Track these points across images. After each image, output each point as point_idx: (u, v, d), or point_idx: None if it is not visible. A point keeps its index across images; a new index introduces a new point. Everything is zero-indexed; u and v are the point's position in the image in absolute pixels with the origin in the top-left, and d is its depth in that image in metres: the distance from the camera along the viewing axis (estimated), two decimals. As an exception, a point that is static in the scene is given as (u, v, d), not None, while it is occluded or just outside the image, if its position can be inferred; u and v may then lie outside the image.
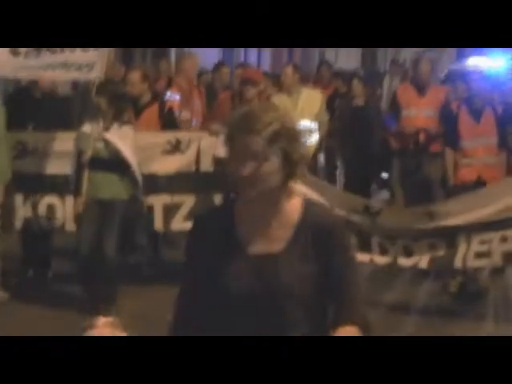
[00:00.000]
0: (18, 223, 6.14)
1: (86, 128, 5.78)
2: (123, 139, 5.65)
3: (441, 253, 6.01)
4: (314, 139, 7.55)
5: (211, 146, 6.02)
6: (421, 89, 7.59)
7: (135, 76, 6.41)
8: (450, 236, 6.00)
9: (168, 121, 6.39)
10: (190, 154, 6.05)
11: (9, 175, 5.75)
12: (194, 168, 6.09)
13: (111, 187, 5.70)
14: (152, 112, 6.38)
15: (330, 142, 8.46)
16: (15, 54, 5.94)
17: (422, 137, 7.35)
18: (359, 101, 8.57)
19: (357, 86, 8.68)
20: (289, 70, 7.70)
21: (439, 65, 14.77)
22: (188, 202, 6.07)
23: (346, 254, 2.27)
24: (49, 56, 5.98)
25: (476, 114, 6.75)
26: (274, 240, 2.21)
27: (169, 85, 7.67)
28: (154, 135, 6.16)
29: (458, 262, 5.99)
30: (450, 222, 5.95)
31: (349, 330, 2.20)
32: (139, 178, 5.69)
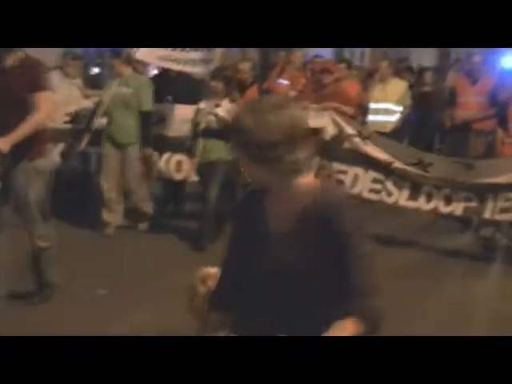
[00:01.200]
0: (156, 173, 7.76)
1: (202, 104, 7.32)
2: (230, 114, 6.75)
3: (473, 204, 7.23)
4: (396, 117, 9.43)
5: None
6: (473, 79, 8.83)
7: (246, 66, 8.25)
8: (483, 191, 7.17)
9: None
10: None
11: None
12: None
13: (218, 151, 7.06)
14: (253, 91, 8.15)
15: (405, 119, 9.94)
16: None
17: (470, 117, 8.62)
18: (427, 88, 10.40)
19: (427, 77, 10.51)
20: (384, 64, 9.69)
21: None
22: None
23: (349, 242, 2.21)
24: (181, 53, 7.63)
25: None
26: (284, 220, 2.32)
27: (281, 72, 9.58)
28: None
29: (486, 214, 7.18)
30: (484, 179, 7.12)
31: (348, 325, 2.16)
32: None
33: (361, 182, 7.61)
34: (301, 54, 9.76)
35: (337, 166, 7.64)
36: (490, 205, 7.19)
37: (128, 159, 7.36)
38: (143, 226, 7.72)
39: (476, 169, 7.22)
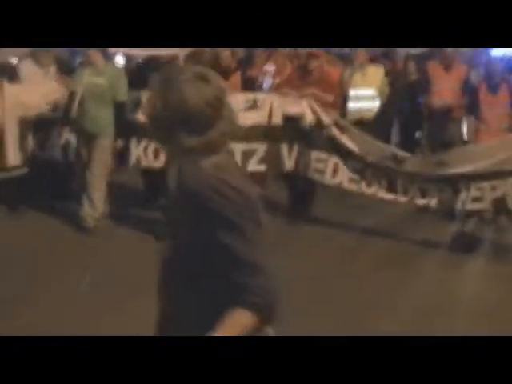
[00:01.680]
0: (132, 161, 7.56)
1: None
2: None
3: (447, 196, 7.22)
4: (375, 105, 9.21)
5: (281, 105, 7.53)
6: (447, 66, 8.80)
7: (226, 53, 8.04)
8: (454, 182, 7.15)
9: (248, 84, 7.99)
10: (265, 111, 7.54)
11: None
12: (266, 121, 7.52)
13: None
14: (236, 78, 8.01)
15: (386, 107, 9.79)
16: None
17: (443, 105, 8.62)
18: (413, 76, 10.16)
19: (410, 66, 10.33)
20: (361, 52, 9.35)
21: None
22: (261, 148, 7.59)
23: (225, 222, 2.04)
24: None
25: (494, 89, 8.14)
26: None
27: (267, 59, 9.44)
28: (236, 95, 7.69)
29: (458, 205, 7.19)
30: (455, 170, 7.09)
31: (237, 316, 2.04)
32: None
33: (341, 172, 7.50)
34: None
35: (316, 153, 7.52)
36: (462, 195, 7.17)
37: (100, 148, 7.14)
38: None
39: (448, 163, 7.19)
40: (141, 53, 7.70)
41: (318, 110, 7.45)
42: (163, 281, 2.24)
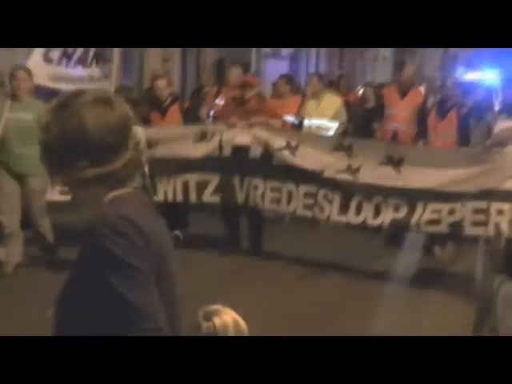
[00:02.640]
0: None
1: None
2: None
3: (401, 214, 6.86)
4: (331, 134, 9.04)
5: (230, 136, 7.50)
6: (402, 91, 8.88)
7: (162, 83, 7.94)
8: (412, 199, 6.80)
9: (188, 115, 7.97)
10: (215, 142, 7.52)
11: None
12: (218, 153, 7.52)
13: None
14: (175, 110, 7.96)
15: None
16: (48, 62, 7.17)
17: (398, 132, 8.67)
18: (369, 104, 10.32)
19: (368, 92, 10.43)
20: (314, 79, 9.52)
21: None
22: (214, 180, 7.55)
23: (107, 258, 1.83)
24: (74, 70, 7.29)
25: (442, 114, 8.13)
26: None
27: (217, 93, 9.32)
28: (184, 128, 7.68)
29: (412, 226, 6.87)
30: (412, 185, 6.79)
31: None
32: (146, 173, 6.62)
33: (294, 199, 7.42)
34: (236, 71, 9.38)
35: (270, 183, 7.47)
36: (416, 215, 6.87)
37: (31, 192, 6.68)
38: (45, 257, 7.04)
39: (403, 172, 6.94)
40: (64, 87, 7.36)
41: (266, 136, 7.43)
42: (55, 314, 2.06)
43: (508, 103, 7.17)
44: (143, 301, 1.84)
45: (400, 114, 8.79)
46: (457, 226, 6.73)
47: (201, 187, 7.54)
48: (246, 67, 26.86)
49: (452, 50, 23.52)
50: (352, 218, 7.17)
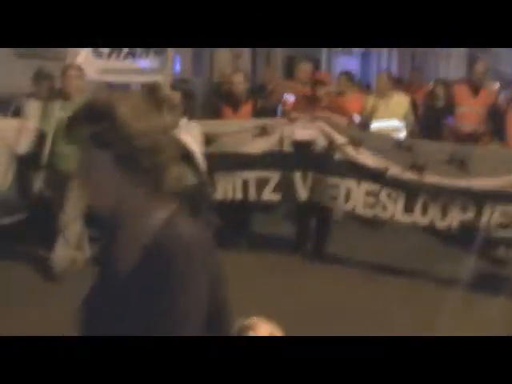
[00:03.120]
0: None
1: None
2: (189, 133, 5.94)
3: (470, 216, 6.48)
4: (401, 136, 8.53)
5: (291, 131, 7.12)
6: (475, 89, 8.34)
7: (239, 78, 7.62)
8: (480, 200, 6.41)
9: (260, 115, 7.59)
10: (275, 137, 7.16)
11: None
12: (278, 148, 7.14)
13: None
14: (248, 106, 7.63)
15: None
16: (98, 56, 6.93)
17: (471, 131, 8.13)
18: (440, 103, 9.65)
19: (439, 90, 9.81)
20: (383, 77, 8.97)
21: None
22: (275, 176, 7.18)
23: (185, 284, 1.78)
24: (125, 63, 7.06)
25: None
26: (123, 260, 1.90)
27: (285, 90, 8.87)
28: (244, 122, 7.34)
29: (482, 228, 6.42)
30: (481, 183, 6.37)
31: None
32: (202, 168, 6.05)
33: (354, 197, 7.00)
34: (306, 67, 8.95)
35: (329, 179, 7.06)
36: (485, 217, 6.46)
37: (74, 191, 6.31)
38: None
39: (471, 168, 6.50)
40: (115, 79, 7.24)
41: (331, 131, 7.02)
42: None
43: None
44: (198, 312, 1.81)
45: (472, 112, 8.21)
46: None
47: (261, 184, 7.17)
48: (316, 64, 26.47)
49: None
50: (418, 218, 6.76)
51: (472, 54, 22.94)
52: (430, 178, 6.63)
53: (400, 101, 8.85)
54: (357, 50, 33.08)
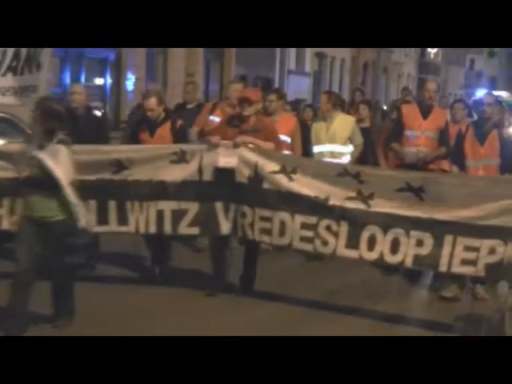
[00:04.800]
0: None
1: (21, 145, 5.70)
2: (56, 158, 5.13)
3: (426, 251, 5.66)
4: (342, 161, 7.70)
5: (212, 157, 6.28)
6: (424, 111, 7.50)
7: (152, 101, 6.68)
8: (439, 232, 5.61)
9: (179, 136, 6.72)
10: (194, 164, 6.28)
11: None
12: (197, 177, 6.27)
13: (43, 207, 5.18)
14: (165, 129, 6.73)
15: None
16: None
17: (420, 155, 7.28)
18: (365, 122, 8.92)
19: (363, 110, 9.02)
20: (324, 98, 8.08)
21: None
22: (193, 208, 6.31)
23: None
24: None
25: (481, 137, 6.75)
26: None
27: (214, 108, 7.93)
28: (159, 148, 6.44)
29: (442, 266, 5.64)
30: (439, 215, 5.62)
31: None
32: (72, 198, 5.13)
33: (289, 230, 6.14)
34: (238, 87, 8.05)
35: (258, 211, 6.20)
36: (445, 251, 5.62)
37: None
38: None
39: (427, 199, 5.70)
40: None
41: (257, 158, 6.18)
42: None
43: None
44: None
45: (422, 135, 7.44)
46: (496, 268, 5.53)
47: (177, 217, 6.27)
48: (267, 84, 25.71)
49: (476, 68, 22.75)
50: (364, 253, 5.89)
51: (423, 73, 22.48)
52: (379, 208, 5.83)
53: (344, 121, 8.05)
54: (309, 70, 32.53)
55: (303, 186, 6.06)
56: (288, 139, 7.68)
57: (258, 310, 5.99)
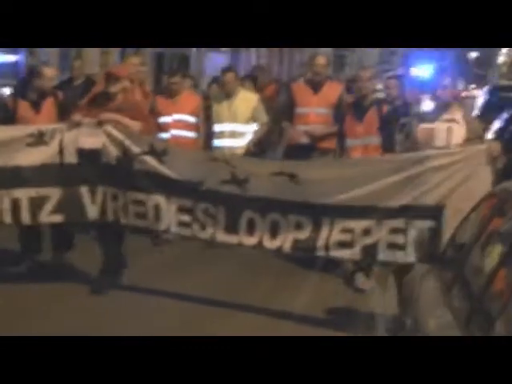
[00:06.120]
0: None
1: None
2: None
3: (304, 235, 5.29)
4: (246, 140, 7.26)
5: (73, 138, 5.60)
6: (315, 86, 7.07)
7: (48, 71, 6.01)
8: (316, 215, 5.27)
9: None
10: (54, 146, 5.60)
11: None
12: (58, 160, 5.60)
13: None
14: (49, 104, 5.96)
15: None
16: None
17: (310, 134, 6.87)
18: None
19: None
20: (228, 76, 7.39)
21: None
22: (54, 194, 5.63)
23: None
24: None
25: (359, 114, 6.29)
26: None
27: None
28: (13, 128, 5.74)
29: (320, 249, 5.29)
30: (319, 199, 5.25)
31: None
32: None
33: (165, 214, 5.55)
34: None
35: (132, 195, 5.56)
36: (323, 235, 5.23)
37: None
38: None
39: (303, 183, 5.26)
40: None
41: (123, 138, 5.52)
42: None
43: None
44: None
45: (313, 112, 6.91)
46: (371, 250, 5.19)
47: (36, 205, 5.57)
48: (185, 62, 24.82)
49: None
50: (244, 238, 5.42)
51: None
52: (255, 192, 5.36)
53: (246, 99, 7.39)
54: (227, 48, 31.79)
55: (174, 168, 5.50)
56: (192, 118, 7.14)
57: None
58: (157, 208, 5.56)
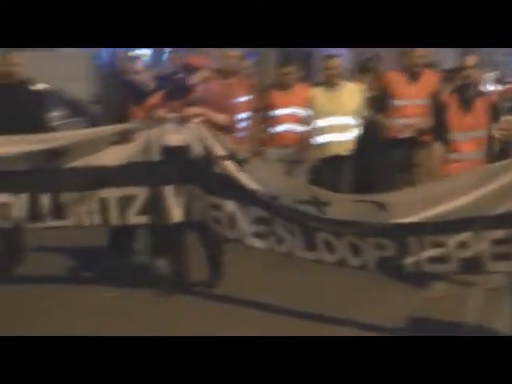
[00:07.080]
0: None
1: None
2: None
3: (389, 253, 4.73)
4: (354, 134, 6.81)
5: (161, 135, 5.34)
6: (412, 75, 6.56)
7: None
8: (400, 235, 4.68)
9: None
10: (139, 144, 5.36)
11: None
12: (143, 158, 5.35)
13: None
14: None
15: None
16: None
17: (410, 127, 6.44)
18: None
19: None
20: (332, 61, 6.74)
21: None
22: (141, 194, 5.39)
23: None
24: None
25: (466, 105, 5.60)
26: None
27: None
28: (98, 129, 5.58)
29: (409, 267, 4.71)
30: (401, 219, 4.64)
31: None
32: None
33: (240, 222, 5.22)
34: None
35: (208, 197, 5.30)
36: (411, 252, 4.70)
37: None
38: None
39: (390, 208, 4.69)
40: None
41: (208, 137, 5.23)
42: None
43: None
44: None
45: (411, 104, 6.49)
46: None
47: (124, 205, 5.36)
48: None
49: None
50: (324, 255, 4.96)
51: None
52: (333, 215, 4.86)
53: (352, 89, 6.83)
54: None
55: (254, 178, 5.12)
56: (303, 111, 6.76)
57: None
58: (231, 215, 5.24)
